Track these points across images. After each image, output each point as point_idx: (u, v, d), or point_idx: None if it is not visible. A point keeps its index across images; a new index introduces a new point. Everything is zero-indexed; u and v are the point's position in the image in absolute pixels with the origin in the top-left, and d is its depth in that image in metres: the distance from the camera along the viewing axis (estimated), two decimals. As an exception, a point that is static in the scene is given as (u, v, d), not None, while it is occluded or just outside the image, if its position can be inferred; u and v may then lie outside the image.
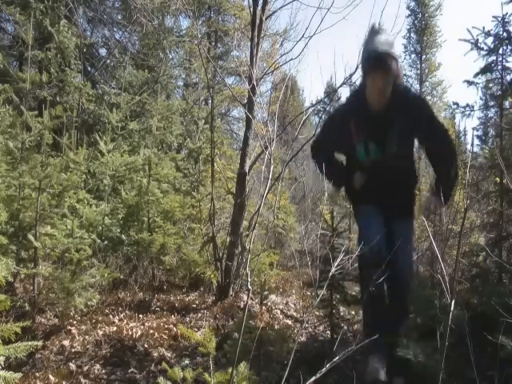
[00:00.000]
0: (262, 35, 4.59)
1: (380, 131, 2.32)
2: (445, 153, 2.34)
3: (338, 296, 2.87)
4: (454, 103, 3.74)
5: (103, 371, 2.62)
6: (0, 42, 8.12)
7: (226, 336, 2.96)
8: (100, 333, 3.17)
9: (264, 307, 2.39)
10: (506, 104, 3.53)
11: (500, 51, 3.32)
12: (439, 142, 2.34)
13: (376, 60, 2.18)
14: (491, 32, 3.36)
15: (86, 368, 2.64)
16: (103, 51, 9.95)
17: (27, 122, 3.22)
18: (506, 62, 3.31)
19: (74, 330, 3.15)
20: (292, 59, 4.74)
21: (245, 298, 4.19)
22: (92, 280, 3.39)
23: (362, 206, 2.55)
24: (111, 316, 3.59)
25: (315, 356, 2.75)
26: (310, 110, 6.76)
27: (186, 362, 2.81)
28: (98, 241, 4.20)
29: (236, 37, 9.32)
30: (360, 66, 2.39)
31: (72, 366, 2.64)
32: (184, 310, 3.97)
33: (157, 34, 9.10)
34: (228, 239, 4.34)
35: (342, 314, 3.06)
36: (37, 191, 3.13)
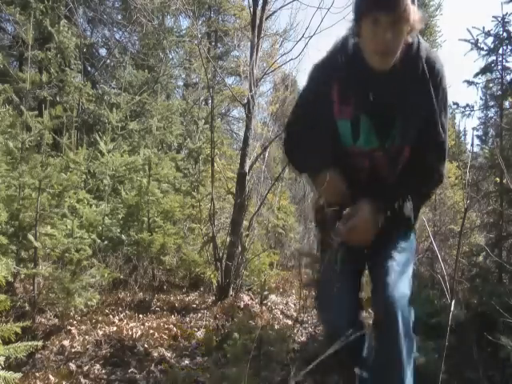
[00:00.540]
0: (262, 35, 4.59)
1: (379, 106, 1.41)
2: (428, 172, 1.48)
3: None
4: (454, 103, 3.74)
5: (103, 371, 2.62)
6: (0, 41, 8.12)
7: (226, 336, 2.96)
8: (100, 333, 3.17)
9: (264, 307, 2.39)
10: (506, 104, 3.53)
11: (500, 51, 3.32)
12: (428, 154, 1.48)
13: None
14: (491, 32, 3.36)
15: (86, 368, 2.64)
16: (103, 51, 9.98)
17: (27, 122, 3.22)
18: (506, 61, 3.32)
19: (73, 330, 3.15)
20: (292, 59, 4.76)
21: (245, 298, 4.19)
22: (92, 280, 3.39)
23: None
24: (111, 316, 3.59)
25: (315, 356, 2.75)
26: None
27: (186, 362, 2.81)
28: (98, 241, 4.20)
29: (236, 37, 9.32)
30: (352, 7, 1.40)
31: (72, 366, 2.64)
32: (184, 309, 3.97)
33: (157, 34, 9.10)
34: (228, 239, 4.34)
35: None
36: (37, 191, 3.12)
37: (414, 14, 1.29)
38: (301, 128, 1.60)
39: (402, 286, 1.39)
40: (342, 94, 1.45)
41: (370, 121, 1.43)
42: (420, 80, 1.39)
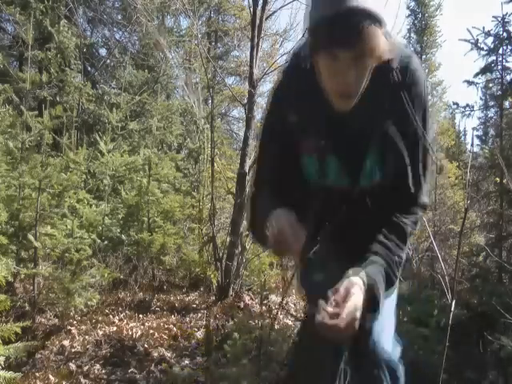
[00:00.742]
0: (262, 35, 4.59)
1: (347, 140, 1.14)
2: (400, 214, 1.16)
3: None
4: (454, 103, 3.75)
5: (103, 371, 2.62)
6: (0, 41, 8.12)
7: (226, 336, 2.96)
8: (100, 333, 3.17)
9: (264, 307, 2.39)
10: (506, 104, 3.54)
11: (500, 51, 3.33)
12: (401, 190, 1.17)
13: (340, 27, 0.95)
14: (491, 32, 3.37)
15: (86, 368, 2.64)
16: (103, 51, 9.98)
17: (27, 122, 3.22)
18: (506, 62, 3.33)
19: (73, 330, 3.15)
20: (292, 59, 4.72)
21: (245, 298, 4.19)
22: (92, 280, 3.39)
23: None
24: (111, 316, 3.59)
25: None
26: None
27: (186, 361, 2.81)
28: (98, 241, 4.20)
29: (236, 37, 9.33)
30: (305, 32, 1.10)
31: (72, 366, 2.64)
32: (184, 309, 3.97)
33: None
34: (228, 239, 4.34)
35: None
36: (37, 191, 3.12)
37: (382, 43, 0.98)
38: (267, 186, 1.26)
39: (386, 339, 1.20)
40: (302, 126, 1.16)
41: (338, 156, 1.16)
42: (395, 96, 1.10)
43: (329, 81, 1.04)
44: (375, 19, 0.94)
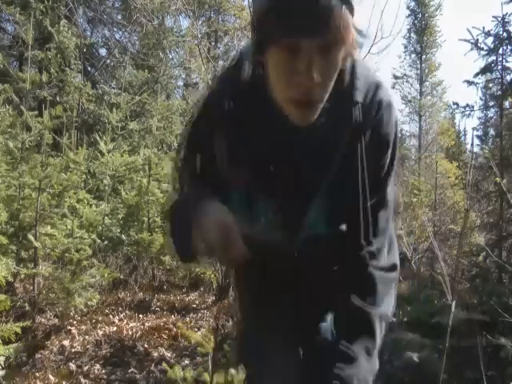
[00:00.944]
0: (262, 35, 4.59)
1: (287, 178, 0.83)
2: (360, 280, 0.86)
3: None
4: (454, 103, 3.76)
5: (103, 371, 2.63)
6: (0, 41, 8.13)
7: (226, 336, 2.96)
8: (100, 333, 3.17)
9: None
10: (506, 104, 3.54)
11: (500, 51, 3.33)
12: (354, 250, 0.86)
13: (301, 7, 0.66)
14: (491, 32, 3.37)
15: (86, 368, 2.64)
16: (103, 51, 9.99)
17: (27, 122, 3.22)
18: (506, 62, 3.33)
19: (73, 330, 3.15)
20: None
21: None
22: (92, 280, 3.39)
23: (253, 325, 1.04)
24: (111, 316, 3.59)
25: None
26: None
27: (186, 362, 2.82)
28: (98, 241, 4.20)
29: (236, 37, 9.31)
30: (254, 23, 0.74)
31: (72, 366, 2.65)
32: (184, 310, 3.98)
33: (157, 34, 9.11)
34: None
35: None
36: (37, 191, 3.13)
37: (353, 34, 0.72)
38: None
39: None
40: (232, 153, 0.85)
41: (274, 194, 0.85)
42: (356, 135, 0.82)
43: (283, 83, 0.75)
44: (346, 0, 0.69)
